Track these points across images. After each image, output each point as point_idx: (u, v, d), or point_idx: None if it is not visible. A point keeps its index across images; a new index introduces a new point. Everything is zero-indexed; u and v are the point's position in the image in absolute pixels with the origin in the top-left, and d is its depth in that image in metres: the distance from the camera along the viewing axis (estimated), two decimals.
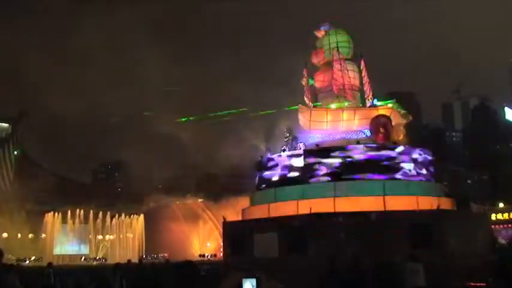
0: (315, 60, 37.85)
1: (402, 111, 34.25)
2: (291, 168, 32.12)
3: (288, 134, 35.63)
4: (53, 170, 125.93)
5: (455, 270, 23.20)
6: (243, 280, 10.48)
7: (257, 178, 35.43)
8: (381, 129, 32.09)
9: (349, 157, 30.75)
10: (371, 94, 35.35)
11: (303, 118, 35.37)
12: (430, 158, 33.51)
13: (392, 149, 31.38)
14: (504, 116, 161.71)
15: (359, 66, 36.93)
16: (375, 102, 35.04)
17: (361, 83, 36.43)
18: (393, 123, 32.84)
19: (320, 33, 38.32)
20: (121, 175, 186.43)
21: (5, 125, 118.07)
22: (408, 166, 31.25)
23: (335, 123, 34.29)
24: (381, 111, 33.82)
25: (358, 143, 31.64)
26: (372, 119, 32.61)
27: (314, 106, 36.22)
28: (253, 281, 10.44)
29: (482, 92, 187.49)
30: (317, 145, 32.44)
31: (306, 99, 36.22)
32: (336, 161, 30.75)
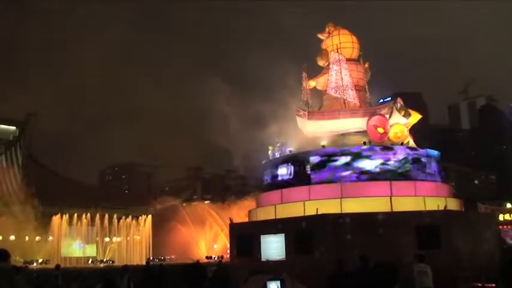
0: (321, 62, 37.85)
1: (403, 111, 33.78)
2: (295, 169, 32.09)
3: (277, 140, 35.72)
4: (60, 172, 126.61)
5: (463, 271, 23.13)
6: (268, 282, 10.43)
7: (263, 179, 35.45)
8: (378, 129, 31.94)
9: (356, 158, 30.69)
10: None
11: (300, 120, 35.23)
12: (437, 158, 33.35)
13: (397, 149, 31.27)
14: (511, 116, 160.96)
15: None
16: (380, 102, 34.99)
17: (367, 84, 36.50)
18: (393, 123, 32.54)
19: (323, 35, 38.34)
20: (128, 177, 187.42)
21: (13, 127, 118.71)
22: (414, 166, 31.13)
23: (332, 124, 34.17)
24: (379, 111, 33.69)
25: (364, 143, 31.58)
26: (368, 119, 32.46)
27: (311, 108, 36.09)
28: (278, 283, 10.40)
29: (488, 92, 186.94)
30: (323, 146, 32.40)
31: (304, 101, 36.10)
32: (341, 163, 30.71)
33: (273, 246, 28.22)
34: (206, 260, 67.71)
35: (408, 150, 31.80)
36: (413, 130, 35.71)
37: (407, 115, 33.56)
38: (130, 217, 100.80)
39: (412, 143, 34.35)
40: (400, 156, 30.85)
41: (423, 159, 31.80)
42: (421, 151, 32.71)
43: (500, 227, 49.60)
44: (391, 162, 30.54)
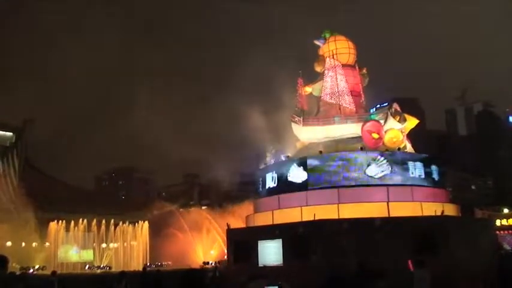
0: (318, 68, 37.91)
1: (398, 116, 33.81)
2: (294, 174, 32.11)
3: (271, 147, 35.81)
4: (57, 178, 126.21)
5: (459, 276, 23.12)
6: None
7: (260, 185, 35.46)
8: (373, 135, 31.99)
9: (351, 163, 30.73)
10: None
11: (295, 127, 35.27)
12: (434, 163, 33.40)
13: (392, 154, 31.32)
14: (508, 122, 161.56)
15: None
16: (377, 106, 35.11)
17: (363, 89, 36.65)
18: (388, 128, 32.56)
19: (319, 42, 38.41)
20: (125, 182, 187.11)
21: (9, 133, 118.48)
22: (411, 172, 31.18)
23: (327, 130, 34.22)
24: (373, 117, 33.75)
25: (361, 149, 31.62)
26: (363, 124, 32.52)
27: (307, 114, 36.16)
28: None
29: (485, 97, 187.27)
30: (320, 152, 32.44)
31: (299, 107, 36.14)
32: (339, 168, 30.74)
33: (270, 252, 28.20)
34: (204, 266, 67.56)
35: (404, 155, 31.86)
36: (411, 135, 35.75)
37: (402, 120, 33.64)
38: (127, 223, 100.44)
39: (409, 148, 34.40)
40: (396, 161, 30.89)
41: (418, 164, 31.87)
42: (416, 156, 32.81)
43: (497, 232, 49.58)
44: (386, 167, 30.58)
